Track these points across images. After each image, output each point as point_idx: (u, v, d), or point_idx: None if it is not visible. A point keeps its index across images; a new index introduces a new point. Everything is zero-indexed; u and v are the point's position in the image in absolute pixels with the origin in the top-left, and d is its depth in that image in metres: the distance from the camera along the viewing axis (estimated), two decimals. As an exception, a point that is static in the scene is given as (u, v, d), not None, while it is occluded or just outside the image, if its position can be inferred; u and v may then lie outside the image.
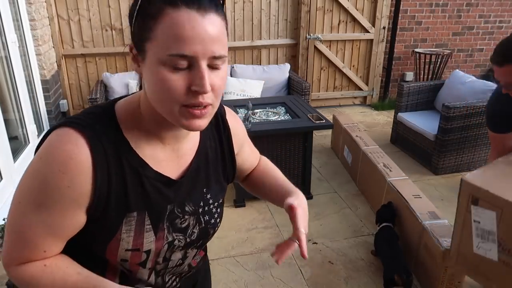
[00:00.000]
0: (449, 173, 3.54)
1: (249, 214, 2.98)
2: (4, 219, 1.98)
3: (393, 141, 4.20)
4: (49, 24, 4.17)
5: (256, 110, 3.39)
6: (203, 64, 0.65)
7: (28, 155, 3.29)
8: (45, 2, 4.07)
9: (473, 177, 1.67)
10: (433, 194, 3.20)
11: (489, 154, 2.10)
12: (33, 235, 0.71)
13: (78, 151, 0.68)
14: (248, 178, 1.06)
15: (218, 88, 0.69)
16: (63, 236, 0.73)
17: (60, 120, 4.22)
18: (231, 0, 4.66)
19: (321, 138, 4.37)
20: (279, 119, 3.24)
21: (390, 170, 2.87)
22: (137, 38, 0.68)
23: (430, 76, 5.04)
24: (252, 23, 4.85)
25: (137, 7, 0.67)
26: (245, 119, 2.94)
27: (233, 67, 4.66)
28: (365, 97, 5.44)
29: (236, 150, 0.94)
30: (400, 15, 5.12)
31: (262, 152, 1.11)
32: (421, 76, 5.10)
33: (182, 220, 0.83)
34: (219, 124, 0.90)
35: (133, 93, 0.80)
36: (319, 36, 4.97)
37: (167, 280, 0.89)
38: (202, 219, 0.87)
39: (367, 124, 4.79)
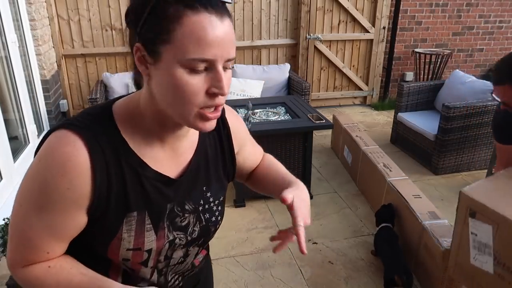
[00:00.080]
0: (449, 173, 3.54)
1: (249, 214, 2.98)
2: (4, 219, 1.99)
3: (393, 141, 4.20)
4: (49, 24, 4.17)
5: (256, 110, 3.39)
6: (220, 67, 0.67)
7: (28, 155, 3.29)
8: (45, 2, 4.07)
9: (472, 190, 1.68)
10: (433, 194, 3.20)
11: (495, 166, 2.11)
12: (35, 237, 0.72)
13: (77, 153, 0.68)
14: (252, 175, 1.06)
15: (228, 88, 0.71)
16: (65, 237, 0.74)
17: (60, 120, 4.23)
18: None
19: (321, 138, 4.37)
20: (279, 119, 3.25)
21: (390, 170, 2.87)
22: (149, 39, 0.66)
23: (430, 76, 5.04)
24: (252, 23, 4.85)
25: (149, 8, 0.65)
26: (245, 119, 2.94)
27: (233, 67, 4.63)
28: (365, 97, 5.44)
29: (236, 148, 0.94)
30: (400, 15, 5.12)
31: (262, 152, 1.11)
32: (421, 76, 5.10)
33: (182, 218, 0.83)
34: (219, 122, 0.90)
35: (131, 93, 0.80)
36: (319, 36, 4.97)
37: (169, 279, 0.90)
38: (202, 217, 0.87)
39: (367, 124, 4.79)
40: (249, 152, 1.01)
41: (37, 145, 0.74)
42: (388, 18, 5.08)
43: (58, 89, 4.30)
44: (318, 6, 4.87)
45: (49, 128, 3.74)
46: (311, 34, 4.96)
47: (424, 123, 3.73)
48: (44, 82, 3.85)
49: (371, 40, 5.14)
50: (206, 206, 0.88)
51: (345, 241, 2.67)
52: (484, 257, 1.62)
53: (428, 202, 2.46)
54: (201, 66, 0.66)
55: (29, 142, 3.46)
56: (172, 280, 0.91)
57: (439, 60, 4.97)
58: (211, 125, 0.72)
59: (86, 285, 0.74)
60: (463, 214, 1.69)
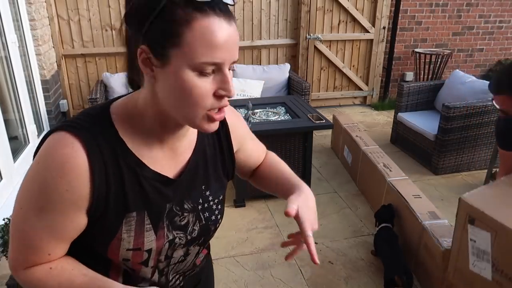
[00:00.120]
0: (449, 173, 3.54)
1: (249, 214, 2.98)
2: (4, 219, 1.99)
3: (393, 141, 4.20)
4: (49, 24, 4.17)
5: (256, 110, 3.39)
6: (227, 69, 0.68)
7: (28, 155, 3.29)
8: (45, 2, 4.07)
9: (471, 196, 1.69)
10: (433, 194, 3.20)
11: (498, 172, 2.13)
12: (36, 239, 0.72)
13: (75, 155, 0.68)
14: (255, 173, 1.06)
15: (234, 90, 0.72)
16: (66, 238, 0.74)
17: (60, 120, 4.23)
18: (231, 0, 4.66)
19: (321, 138, 4.37)
20: (279, 119, 3.25)
21: (390, 170, 2.87)
22: (156, 42, 0.66)
23: (430, 76, 5.04)
24: (252, 23, 4.85)
25: (156, 10, 0.64)
26: (245, 119, 2.94)
27: (233, 67, 4.66)
28: (365, 97, 5.44)
29: (236, 146, 0.93)
30: (400, 15, 5.12)
31: (262, 152, 1.10)
32: (421, 76, 5.10)
33: (181, 217, 0.83)
34: None
35: (129, 93, 0.80)
36: (319, 36, 4.97)
37: (170, 278, 0.90)
38: (202, 216, 0.87)
39: (367, 124, 4.79)
40: (251, 149, 1.01)
41: (36, 145, 0.74)
42: (388, 18, 5.08)
43: (58, 89, 4.30)
44: (318, 6, 4.87)
45: (49, 128, 3.74)
46: (311, 34, 4.95)
47: (424, 123, 3.73)
48: (44, 82, 3.85)
49: (371, 40, 5.14)
50: (206, 205, 0.88)
51: (345, 241, 2.67)
52: (483, 264, 1.63)
53: (428, 202, 2.45)
54: (210, 69, 0.66)
55: (29, 142, 3.46)
56: (173, 280, 0.91)
57: (439, 60, 4.97)
58: (215, 125, 0.73)
59: (87, 286, 0.74)
60: (462, 220, 1.70)
